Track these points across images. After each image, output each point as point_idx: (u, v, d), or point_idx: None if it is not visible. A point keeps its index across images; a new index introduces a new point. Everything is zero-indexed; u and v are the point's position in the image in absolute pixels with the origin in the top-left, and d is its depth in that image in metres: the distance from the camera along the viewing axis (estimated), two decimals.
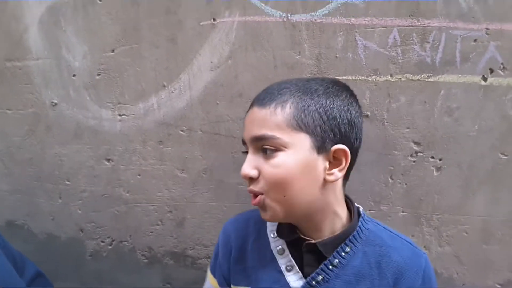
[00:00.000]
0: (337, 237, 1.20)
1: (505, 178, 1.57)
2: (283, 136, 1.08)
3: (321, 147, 1.10)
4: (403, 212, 1.68)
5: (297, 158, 1.09)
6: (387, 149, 1.65)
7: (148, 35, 1.83)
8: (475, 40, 1.49)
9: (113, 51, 1.89)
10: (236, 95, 1.77)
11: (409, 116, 1.60)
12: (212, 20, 1.74)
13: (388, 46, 1.57)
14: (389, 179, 1.67)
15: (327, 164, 1.12)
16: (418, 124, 1.60)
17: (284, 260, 1.24)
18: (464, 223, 1.63)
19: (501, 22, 1.46)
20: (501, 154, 1.55)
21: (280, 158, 1.09)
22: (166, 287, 2.10)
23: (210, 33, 1.75)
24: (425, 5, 1.51)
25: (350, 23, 1.59)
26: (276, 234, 1.28)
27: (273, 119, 1.09)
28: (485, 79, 1.51)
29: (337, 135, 1.11)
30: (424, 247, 1.68)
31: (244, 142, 1.19)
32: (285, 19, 1.65)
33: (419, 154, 1.62)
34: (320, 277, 1.17)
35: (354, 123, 1.14)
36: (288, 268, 1.22)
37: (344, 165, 1.13)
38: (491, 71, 1.50)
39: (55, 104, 2.03)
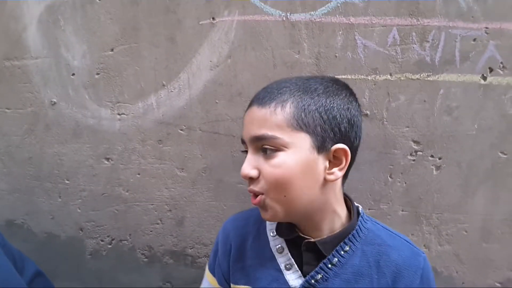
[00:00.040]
0: (336, 236, 1.20)
1: (504, 177, 1.58)
2: (283, 136, 1.07)
3: (321, 147, 1.10)
4: (402, 211, 1.69)
5: (297, 158, 1.08)
6: (386, 148, 1.65)
7: (148, 34, 1.83)
8: (474, 39, 1.50)
9: (112, 50, 1.89)
10: (235, 94, 1.77)
11: (408, 115, 1.60)
12: (211, 19, 1.74)
13: (388, 45, 1.57)
14: (389, 178, 1.67)
15: (327, 163, 1.12)
16: (417, 123, 1.60)
17: (283, 259, 1.24)
18: (463, 221, 1.64)
19: (501, 21, 1.47)
20: (501, 153, 1.56)
21: (281, 158, 1.08)
22: (166, 286, 2.10)
23: (210, 32, 1.75)
24: (425, 4, 1.51)
25: (350, 22, 1.59)
26: (275, 233, 1.27)
27: (273, 118, 1.08)
28: (484, 78, 1.52)
29: (337, 134, 1.11)
30: (424, 245, 1.68)
31: (243, 141, 1.18)
32: (284, 18, 1.65)
33: (418, 153, 1.62)
34: (319, 276, 1.17)
35: (354, 122, 1.14)
36: (287, 266, 1.22)
37: (344, 164, 1.13)
38: (491, 70, 1.51)
39: (54, 103, 2.03)
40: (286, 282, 1.21)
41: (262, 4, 1.66)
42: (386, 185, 1.68)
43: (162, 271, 2.09)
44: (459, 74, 1.53)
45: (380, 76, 1.60)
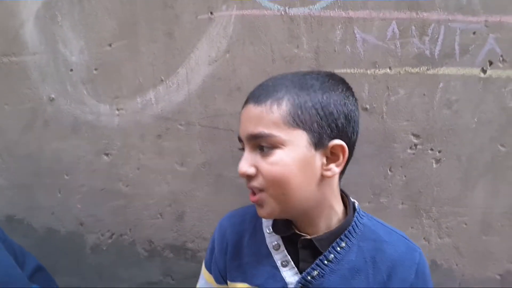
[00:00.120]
0: (332, 233, 1.19)
1: (504, 170, 1.58)
2: (280, 133, 1.07)
3: (318, 143, 1.09)
4: (402, 204, 1.69)
5: (294, 155, 1.08)
6: (386, 142, 1.65)
7: (145, 30, 1.82)
8: (474, 33, 1.50)
9: (110, 45, 1.89)
10: (234, 89, 1.76)
11: (408, 108, 1.60)
12: (209, 13, 1.73)
13: (387, 39, 1.57)
14: (389, 171, 1.67)
15: (324, 160, 1.12)
16: (417, 117, 1.60)
17: (280, 256, 1.23)
18: (463, 214, 1.64)
19: (500, 14, 1.47)
20: (501, 146, 1.56)
21: (278, 155, 1.08)
22: (166, 280, 2.10)
23: (208, 27, 1.75)
24: None
25: (349, 16, 1.59)
26: (271, 230, 1.27)
27: (270, 116, 1.07)
28: (484, 71, 1.52)
29: (334, 130, 1.10)
30: (424, 239, 1.69)
31: (240, 139, 1.17)
32: (283, 13, 1.64)
33: (418, 146, 1.62)
34: (315, 272, 1.17)
35: (351, 117, 1.13)
36: (283, 263, 1.22)
37: (342, 160, 1.12)
38: (490, 63, 1.51)
39: (53, 99, 2.02)
40: (282, 279, 1.21)
41: None
42: (386, 179, 1.68)
43: (162, 265, 2.10)
44: (459, 68, 1.53)
45: (379, 70, 1.60)
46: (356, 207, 1.26)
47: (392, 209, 1.70)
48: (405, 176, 1.66)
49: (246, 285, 1.27)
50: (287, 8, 1.63)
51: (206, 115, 1.83)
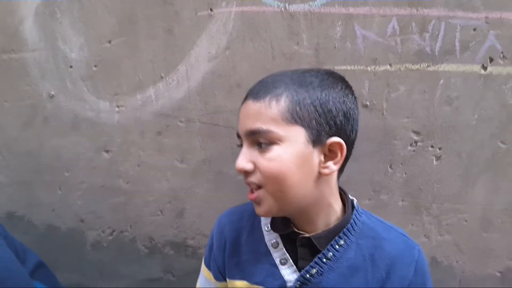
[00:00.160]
0: (331, 230, 1.19)
1: (504, 167, 1.57)
2: (278, 129, 1.06)
3: (316, 140, 1.09)
4: (402, 201, 1.68)
5: (292, 151, 1.07)
6: (386, 139, 1.64)
7: (145, 27, 1.82)
8: (474, 29, 1.49)
9: (109, 42, 1.89)
10: (234, 86, 1.76)
11: (408, 105, 1.59)
12: (209, 10, 1.73)
13: (387, 36, 1.56)
14: (389, 168, 1.67)
15: (322, 157, 1.11)
16: (417, 114, 1.59)
17: (278, 254, 1.23)
18: (463, 211, 1.64)
19: (501, 11, 1.46)
20: (501, 142, 1.55)
21: (275, 151, 1.07)
22: (167, 276, 2.10)
23: (208, 24, 1.74)
24: None
25: (349, 13, 1.58)
26: (270, 228, 1.27)
27: (268, 112, 1.07)
28: (484, 68, 1.51)
29: (332, 127, 1.10)
30: (424, 236, 1.68)
31: (238, 135, 1.17)
32: (283, 9, 1.64)
33: (418, 143, 1.61)
34: (314, 270, 1.17)
35: (350, 115, 1.13)
36: (282, 261, 1.22)
37: (340, 158, 1.12)
38: (491, 60, 1.50)
39: (53, 96, 2.02)
40: (281, 277, 1.21)
41: None
42: (386, 176, 1.68)
43: (163, 262, 2.10)
44: (459, 64, 1.52)
45: (379, 67, 1.59)
46: (355, 204, 1.26)
47: (392, 206, 1.70)
48: (405, 173, 1.66)
49: (245, 282, 1.27)
50: (287, 5, 1.63)
51: (206, 112, 1.82)
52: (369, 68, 1.60)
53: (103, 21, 1.87)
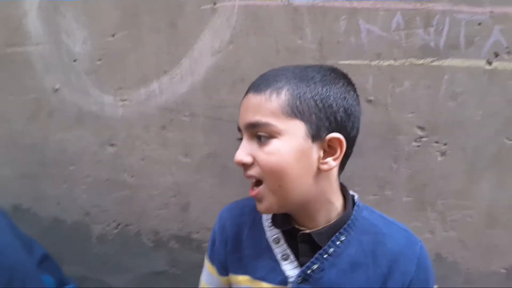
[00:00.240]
0: (332, 226, 1.19)
1: (510, 163, 1.56)
2: (277, 123, 1.07)
3: (316, 135, 1.09)
4: (407, 197, 1.67)
5: (291, 145, 1.07)
6: (391, 134, 1.63)
7: (148, 20, 1.82)
8: (479, 24, 1.47)
9: (113, 36, 1.88)
10: (238, 80, 1.75)
11: (413, 100, 1.58)
12: (212, 4, 1.72)
13: (392, 30, 1.55)
14: (393, 164, 1.66)
15: (321, 153, 1.11)
16: (422, 109, 1.58)
17: (280, 249, 1.24)
18: (468, 207, 1.62)
19: (506, 5, 1.44)
20: (506, 138, 1.54)
21: (274, 145, 1.07)
22: (172, 270, 2.11)
23: (211, 18, 1.73)
24: None
25: (353, 7, 1.56)
26: (271, 223, 1.28)
27: (268, 105, 1.08)
28: (489, 63, 1.49)
29: (332, 123, 1.09)
30: (429, 232, 1.68)
31: (239, 129, 1.17)
32: (286, 3, 1.63)
33: (423, 139, 1.60)
34: (315, 266, 1.17)
35: (350, 112, 1.12)
36: (283, 257, 1.23)
37: (339, 154, 1.11)
38: (496, 55, 1.48)
39: (57, 89, 2.02)
40: (283, 272, 1.21)
41: None
42: (390, 171, 1.67)
43: (167, 256, 2.11)
44: (464, 59, 1.50)
45: (384, 62, 1.58)
46: (356, 200, 1.26)
47: (396, 202, 1.69)
48: (409, 169, 1.64)
49: (247, 277, 1.29)
50: None
51: (210, 106, 1.82)
52: (373, 63, 1.59)
53: (106, 15, 1.87)
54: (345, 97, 1.11)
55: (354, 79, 1.19)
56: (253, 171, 1.12)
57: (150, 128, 1.94)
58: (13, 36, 2.02)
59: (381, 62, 1.58)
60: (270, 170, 1.09)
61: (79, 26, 1.91)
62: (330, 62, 1.57)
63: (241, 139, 1.16)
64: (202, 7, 1.73)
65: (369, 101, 1.61)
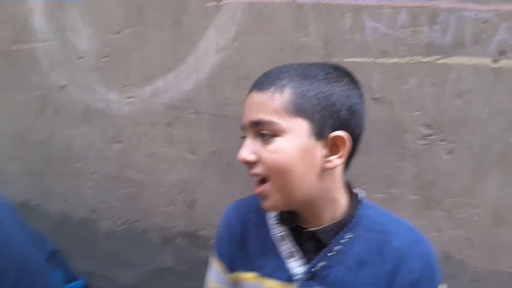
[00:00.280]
0: (337, 224, 1.20)
1: None
2: (281, 121, 1.07)
3: (319, 133, 1.09)
4: (413, 195, 1.66)
5: (295, 143, 1.07)
6: (396, 132, 1.62)
7: (153, 18, 1.82)
8: (485, 22, 1.45)
9: (118, 33, 1.88)
10: (242, 78, 1.75)
11: (418, 98, 1.57)
12: (217, 1, 1.71)
13: (397, 28, 1.53)
14: (399, 162, 1.65)
15: (325, 151, 1.11)
16: (428, 107, 1.57)
17: (285, 247, 1.24)
18: (475, 206, 1.61)
19: None
20: None
21: (278, 143, 1.08)
22: (179, 266, 2.11)
23: (215, 15, 1.73)
24: None
25: (358, 4, 1.55)
26: (276, 221, 1.28)
27: (271, 103, 1.08)
28: (495, 61, 1.47)
29: (336, 121, 1.09)
30: (435, 230, 1.66)
31: (243, 127, 1.18)
32: (290, 0, 1.62)
33: (429, 137, 1.59)
34: (321, 264, 1.17)
35: (354, 110, 1.12)
36: (289, 254, 1.23)
37: (343, 152, 1.11)
38: (502, 53, 1.46)
39: (63, 86, 2.03)
40: (288, 270, 1.21)
41: None
42: (396, 170, 1.66)
43: (174, 252, 2.11)
44: (470, 57, 1.49)
45: (389, 59, 1.57)
46: (360, 198, 1.26)
47: (403, 200, 1.68)
48: (416, 167, 1.63)
49: (255, 274, 1.28)
50: None
51: (215, 104, 1.82)
52: (378, 61, 1.58)
53: (111, 12, 1.87)
54: (348, 95, 1.11)
55: (359, 77, 1.19)
56: (258, 169, 1.12)
57: (156, 125, 1.94)
58: (19, 34, 2.03)
59: (387, 60, 1.57)
60: (274, 168, 1.09)
61: (85, 23, 1.92)
62: (335, 60, 1.55)
63: (245, 137, 1.16)
64: (206, 5, 1.73)
65: (375, 99, 1.60)
